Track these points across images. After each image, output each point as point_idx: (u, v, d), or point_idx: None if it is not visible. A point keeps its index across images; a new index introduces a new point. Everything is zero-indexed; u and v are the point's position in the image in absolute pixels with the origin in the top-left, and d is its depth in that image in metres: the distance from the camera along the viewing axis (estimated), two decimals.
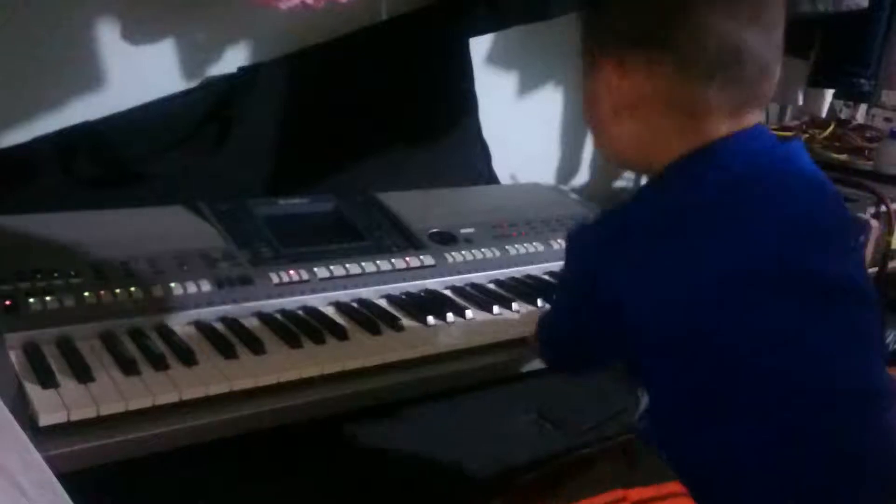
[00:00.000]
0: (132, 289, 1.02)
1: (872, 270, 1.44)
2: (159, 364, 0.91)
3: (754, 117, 0.78)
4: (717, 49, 0.73)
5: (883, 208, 1.40)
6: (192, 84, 1.36)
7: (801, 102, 1.89)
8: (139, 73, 1.30)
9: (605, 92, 0.80)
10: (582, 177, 1.92)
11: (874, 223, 1.38)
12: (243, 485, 0.91)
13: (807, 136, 1.86)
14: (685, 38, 0.73)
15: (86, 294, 0.99)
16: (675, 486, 0.90)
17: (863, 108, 2.20)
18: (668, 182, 0.78)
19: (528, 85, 1.76)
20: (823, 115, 1.97)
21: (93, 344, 0.96)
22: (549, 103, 1.81)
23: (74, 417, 0.82)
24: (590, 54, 0.82)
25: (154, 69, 1.32)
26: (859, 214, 1.38)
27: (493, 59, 1.68)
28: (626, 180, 2.00)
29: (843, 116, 2.17)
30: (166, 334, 0.99)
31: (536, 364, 1.12)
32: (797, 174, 0.79)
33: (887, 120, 2.16)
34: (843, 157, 1.76)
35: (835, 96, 1.97)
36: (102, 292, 1.00)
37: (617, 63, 0.78)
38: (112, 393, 0.86)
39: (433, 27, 1.50)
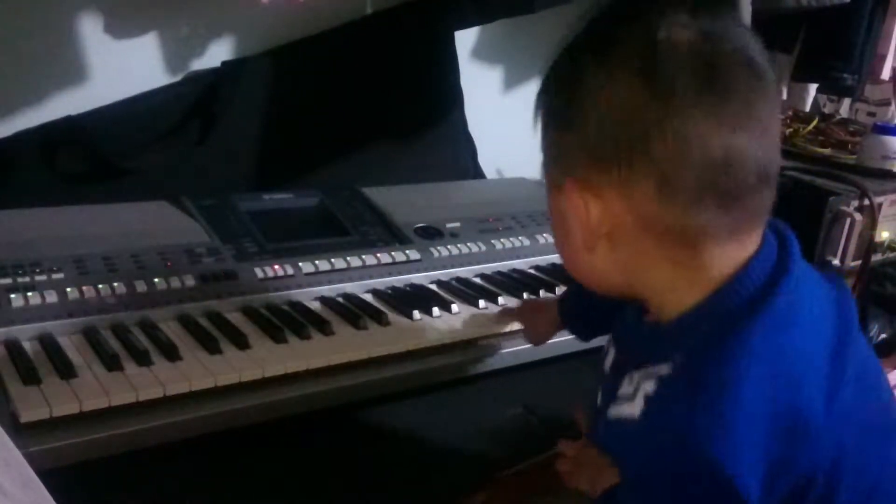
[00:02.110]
0: (115, 284, 1.01)
1: (855, 263, 1.45)
2: (143, 359, 0.91)
3: (757, 235, 0.65)
4: (703, 161, 0.59)
5: (866, 202, 1.40)
6: (176, 78, 1.35)
7: (784, 97, 1.90)
8: (122, 67, 1.30)
9: (573, 220, 0.65)
10: None
11: (858, 217, 1.39)
12: (228, 480, 0.90)
13: (790, 130, 1.87)
14: (663, 147, 0.59)
15: (68, 290, 0.99)
16: None
17: (846, 102, 2.21)
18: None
19: (513, 79, 1.76)
20: (807, 109, 1.98)
21: (75, 340, 0.95)
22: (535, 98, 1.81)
23: (57, 414, 0.81)
24: (552, 177, 0.68)
25: (137, 63, 1.31)
26: (842, 208, 1.39)
27: (479, 53, 1.68)
28: None
29: (826, 111, 2.18)
30: (150, 330, 0.98)
31: (523, 358, 1.13)
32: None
33: (870, 114, 2.17)
34: (827, 151, 1.77)
35: (818, 91, 1.98)
36: (85, 288, 1.00)
37: (586, 185, 0.63)
38: (95, 389, 0.85)
39: (418, 21, 1.50)
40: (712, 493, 0.58)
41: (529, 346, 1.10)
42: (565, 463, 0.83)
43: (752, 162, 0.60)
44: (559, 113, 0.67)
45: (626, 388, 0.67)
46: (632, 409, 0.65)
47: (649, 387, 0.64)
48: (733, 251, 0.63)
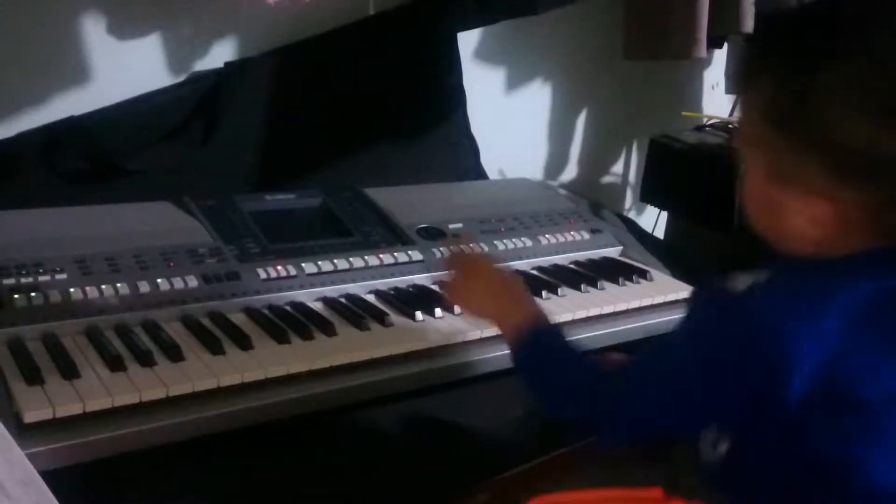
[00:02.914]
0: (118, 285, 1.01)
1: None
2: (146, 360, 0.91)
3: None
4: None
5: None
6: (179, 79, 1.36)
7: None
8: (125, 67, 1.30)
9: (799, 217, 0.69)
10: (570, 172, 1.93)
11: None
12: (231, 481, 0.90)
13: None
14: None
15: (71, 290, 0.99)
16: (656, 492, 0.90)
17: None
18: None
19: (516, 80, 1.76)
20: None
21: (78, 340, 0.95)
22: (537, 98, 1.81)
23: (60, 414, 0.82)
24: (787, 167, 0.69)
25: (140, 64, 1.31)
26: None
27: (482, 54, 1.68)
28: (613, 175, 2.01)
29: None
30: (152, 330, 0.98)
31: None
32: None
33: None
34: None
35: None
36: (88, 288, 1.00)
37: (829, 199, 0.66)
38: (98, 389, 0.85)
39: (421, 22, 1.50)
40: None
41: None
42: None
43: None
44: (791, 118, 0.66)
45: None
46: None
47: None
48: None
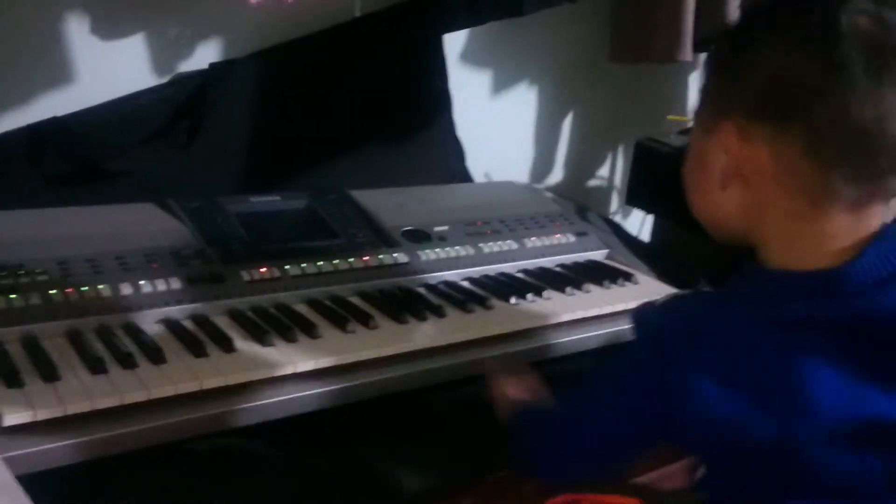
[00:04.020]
0: (100, 287, 1.01)
1: None
2: (127, 362, 0.90)
3: (877, 214, 0.70)
4: (854, 135, 0.65)
5: None
6: (164, 80, 1.35)
7: None
8: (109, 68, 1.29)
9: (718, 156, 0.72)
10: (556, 175, 1.93)
11: None
12: (213, 484, 0.90)
13: None
14: (823, 115, 0.65)
15: (52, 292, 0.98)
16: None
17: None
18: (777, 292, 0.71)
19: (502, 83, 1.76)
20: None
21: (59, 342, 0.94)
22: (524, 102, 1.82)
23: (40, 417, 0.81)
24: (708, 114, 0.74)
25: (124, 64, 1.31)
26: None
27: (468, 56, 1.68)
28: (599, 178, 2.01)
29: None
30: (134, 332, 0.97)
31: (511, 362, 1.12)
32: None
33: None
34: None
35: None
36: (69, 290, 0.99)
37: (740, 129, 0.70)
38: (79, 392, 0.84)
39: (407, 24, 1.50)
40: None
41: (518, 349, 1.10)
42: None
43: (891, 147, 0.66)
44: (728, 62, 0.72)
45: None
46: None
47: None
48: (852, 224, 0.69)
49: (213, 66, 1.36)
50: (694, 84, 2.07)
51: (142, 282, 1.03)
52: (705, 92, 0.76)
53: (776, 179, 0.69)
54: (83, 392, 0.84)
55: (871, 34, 0.65)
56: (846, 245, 0.69)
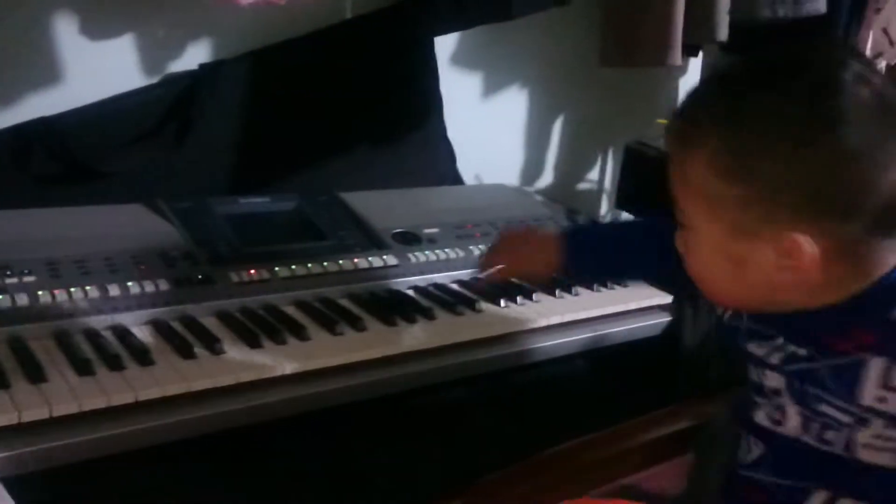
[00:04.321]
0: (87, 287, 1.00)
1: None
2: (114, 364, 0.90)
3: None
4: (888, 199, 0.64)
5: None
6: (153, 80, 1.34)
7: None
8: (98, 68, 1.28)
9: (767, 258, 0.68)
10: (546, 178, 1.93)
11: None
12: (200, 487, 0.89)
13: None
14: (876, 200, 0.64)
15: (39, 293, 0.97)
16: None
17: None
18: None
19: (493, 85, 1.76)
20: None
21: (46, 344, 0.94)
22: (515, 104, 1.82)
23: (26, 419, 0.80)
24: (754, 215, 0.68)
25: (113, 64, 1.30)
26: None
27: (459, 59, 1.68)
28: (589, 182, 2.02)
29: None
30: (122, 334, 0.97)
31: (500, 364, 1.12)
32: None
33: None
34: None
35: None
36: (57, 291, 0.98)
37: (787, 242, 0.67)
38: (65, 394, 0.84)
39: (398, 26, 1.50)
40: None
41: (503, 352, 1.10)
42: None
43: None
44: (726, 160, 0.67)
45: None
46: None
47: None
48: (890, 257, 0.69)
49: (202, 66, 1.36)
50: (684, 87, 2.08)
51: (130, 283, 1.02)
52: (721, 198, 0.69)
53: (828, 262, 0.67)
54: (70, 394, 0.84)
55: (876, 104, 0.65)
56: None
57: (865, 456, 0.71)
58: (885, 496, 0.72)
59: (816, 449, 0.73)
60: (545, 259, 1.05)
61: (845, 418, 0.71)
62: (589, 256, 1.03)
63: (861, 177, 0.64)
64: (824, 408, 0.72)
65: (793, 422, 0.75)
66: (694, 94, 0.74)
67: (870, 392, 0.69)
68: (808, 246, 0.66)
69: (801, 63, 0.67)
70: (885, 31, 1.96)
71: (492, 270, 1.09)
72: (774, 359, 0.76)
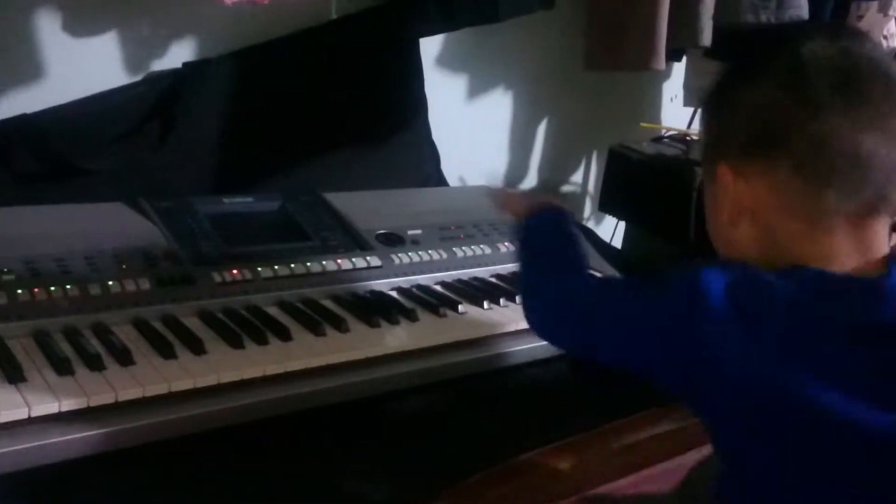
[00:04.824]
0: (67, 286, 0.99)
1: None
2: (94, 364, 0.89)
3: (880, 226, 0.74)
4: (835, 155, 0.70)
5: None
6: (136, 78, 1.33)
7: None
8: (80, 65, 1.28)
9: (723, 199, 0.78)
10: (530, 180, 1.93)
11: None
12: (181, 487, 0.89)
13: None
14: (802, 142, 0.71)
15: (19, 291, 0.96)
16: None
17: None
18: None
19: (478, 87, 1.76)
20: None
21: (25, 343, 0.93)
22: (499, 106, 1.82)
23: (3, 419, 0.79)
24: (708, 163, 0.81)
25: (96, 62, 1.29)
26: None
27: (444, 60, 1.68)
28: (573, 184, 2.02)
29: None
30: (102, 333, 0.96)
31: (483, 366, 1.12)
32: None
33: None
34: None
35: None
36: (36, 290, 0.97)
37: (735, 170, 0.76)
38: (44, 393, 0.83)
39: (383, 27, 1.50)
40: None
41: (486, 354, 1.10)
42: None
43: (883, 163, 0.70)
44: (715, 113, 0.80)
45: None
46: None
47: None
48: (856, 237, 0.73)
49: (186, 65, 1.35)
50: (667, 92, 2.09)
51: (111, 282, 1.02)
52: (704, 144, 0.82)
53: (776, 208, 0.74)
54: (49, 394, 0.83)
55: (833, 63, 0.71)
56: (854, 257, 0.73)
57: None
58: None
59: None
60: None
61: None
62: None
63: (786, 118, 0.71)
64: None
65: None
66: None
67: None
68: (730, 175, 0.75)
69: (778, 46, 0.77)
70: None
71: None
72: None
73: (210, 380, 0.91)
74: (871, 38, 0.78)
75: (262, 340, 0.99)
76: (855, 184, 0.71)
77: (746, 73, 0.77)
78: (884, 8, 1.91)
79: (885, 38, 2.03)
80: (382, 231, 1.29)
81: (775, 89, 0.73)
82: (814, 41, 0.73)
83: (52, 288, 0.98)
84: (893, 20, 2.00)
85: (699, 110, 1.92)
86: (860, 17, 1.95)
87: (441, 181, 1.66)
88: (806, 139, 0.71)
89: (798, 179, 0.72)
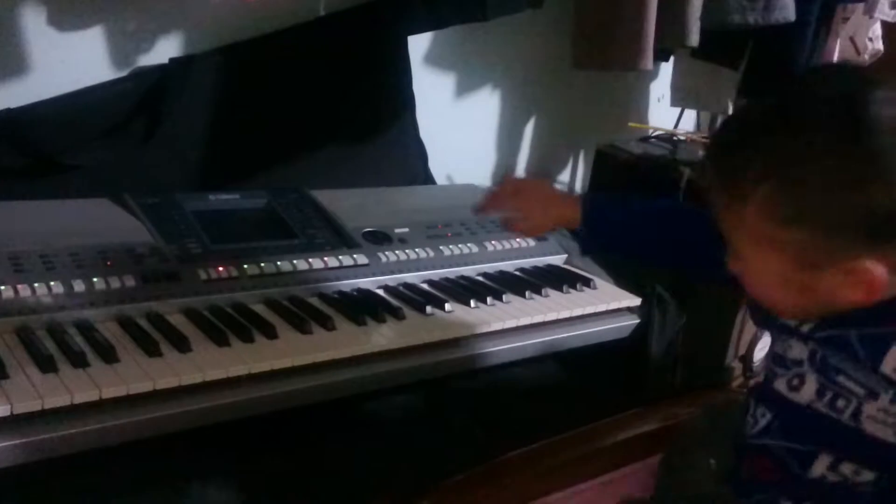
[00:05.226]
0: (52, 283, 0.98)
1: None
2: (78, 361, 0.88)
3: None
4: None
5: None
6: (122, 73, 1.32)
7: (730, 111, 1.94)
8: (66, 60, 1.26)
9: (840, 284, 0.72)
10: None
11: None
12: (165, 484, 0.89)
13: None
14: None
15: (2, 288, 0.96)
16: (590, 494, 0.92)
17: None
18: None
19: (466, 86, 1.76)
20: None
21: (8, 339, 0.92)
22: (487, 105, 1.82)
23: None
24: (818, 251, 0.71)
25: (81, 57, 1.28)
26: None
27: (432, 58, 1.68)
28: (560, 183, 2.03)
29: None
30: (87, 330, 0.96)
31: (467, 365, 1.13)
32: None
33: None
34: None
35: None
36: (20, 286, 0.97)
37: (879, 258, 0.70)
38: (28, 391, 0.82)
39: (372, 24, 1.49)
40: None
41: (472, 353, 1.11)
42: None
43: None
44: (782, 206, 0.71)
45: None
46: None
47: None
48: None
49: (173, 61, 1.34)
50: (655, 92, 2.10)
51: (95, 279, 1.01)
52: (784, 240, 0.72)
53: (893, 275, 0.71)
54: (32, 391, 0.82)
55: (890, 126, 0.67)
56: None
57: (869, 428, 0.75)
58: (883, 465, 0.77)
59: (826, 416, 0.77)
60: (557, 214, 1.06)
61: (858, 389, 0.75)
62: (609, 228, 1.03)
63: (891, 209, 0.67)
64: (841, 378, 0.76)
65: (809, 389, 0.78)
66: (730, 140, 0.77)
67: (889, 363, 0.73)
68: (876, 269, 0.70)
69: (831, 102, 0.70)
70: (852, 39, 1.99)
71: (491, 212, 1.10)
72: (805, 327, 0.79)
73: (195, 378, 0.91)
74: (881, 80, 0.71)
75: (247, 338, 0.99)
76: None
77: (803, 145, 0.69)
78: (869, 10, 1.91)
79: (871, 39, 2.05)
80: (369, 229, 1.29)
81: (882, 176, 0.67)
82: (868, 100, 0.68)
83: (37, 284, 0.97)
84: (879, 22, 2.01)
85: (689, 111, 1.93)
86: (846, 20, 1.96)
87: (428, 179, 1.66)
88: None
89: None
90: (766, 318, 0.85)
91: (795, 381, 0.80)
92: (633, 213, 1.03)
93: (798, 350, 0.80)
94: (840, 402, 0.76)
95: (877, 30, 2.05)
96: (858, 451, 0.77)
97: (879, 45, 2.07)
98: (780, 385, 0.81)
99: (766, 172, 0.71)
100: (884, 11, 1.93)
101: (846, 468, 0.78)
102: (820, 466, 0.79)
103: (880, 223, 0.68)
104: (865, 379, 0.74)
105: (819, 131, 0.69)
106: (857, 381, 0.75)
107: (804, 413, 0.79)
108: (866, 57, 2.03)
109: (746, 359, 1.51)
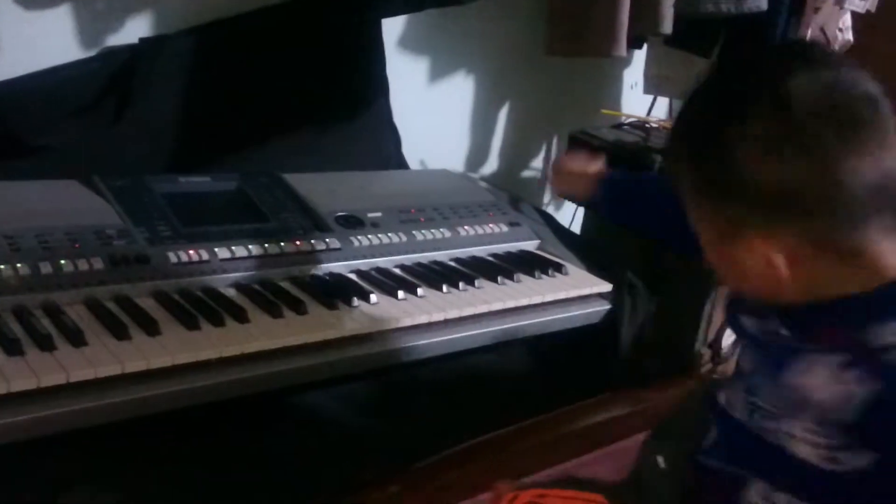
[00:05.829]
0: (18, 265, 0.97)
1: None
2: (45, 344, 0.87)
3: None
4: (858, 188, 0.67)
5: None
6: (90, 53, 1.30)
7: None
8: (33, 38, 1.24)
9: (753, 262, 0.72)
10: (491, 164, 1.94)
11: None
12: (131, 469, 0.88)
13: None
14: (824, 192, 0.67)
15: None
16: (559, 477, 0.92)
17: None
18: None
19: (440, 71, 1.76)
20: None
21: None
22: (461, 90, 1.82)
23: None
24: (722, 228, 0.74)
25: (49, 35, 1.26)
26: None
27: (406, 43, 1.67)
28: (533, 169, 2.03)
29: None
30: (54, 313, 0.94)
31: (439, 350, 1.13)
32: None
33: None
34: None
35: None
36: None
37: (763, 238, 0.71)
38: None
39: (345, 7, 1.48)
40: None
41: (444, 338, 1.11)
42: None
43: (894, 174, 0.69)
44: (714, 182, 0.73)
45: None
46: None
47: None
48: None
49: (143, 41, 1.32)
50: (628, 79, 2.11)
51: (63, 261, 1.00)
52: (703, 212, 0.75)
53: (817, 257, 0.70)
54: None
55: (823, 101, 0.68)
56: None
57: (798, 450, 0.73)
58: (819, 495, 0.74)
59: (758, 437, 0.76)
60: (583, 188, 1.25)
61: (771, 407, 0.74)
62: (615, 206, 1.21)
63: (814, 176, 0.67)
64: (760, 394, 0.75)
65: (740, 406, 0.78)
66: (675, 126, 0.78)
67: (806, 379, 0.71)
68: (769, 249, 0.71)
69: (757, 82, 0.71)
70: (822, 30, 2.01)
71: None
72: (761, 335, 0.78)
73: (165, 361, 0.90)
74: (846, 62, 0.71)
75: (218, 322, 0.99)
76: (887, 209, 0.69)
77: (734, 116, 0.70)
78: (840, 1, 1.93)
79: (841, 30, 2.07)
80: (342, 213, 1.29)
81: (774, 150, 0.68)
82: (797, 77, 0.68)
83: (2, 266, 0.96)
84: (849, 13, 2.03)
85: (662, 99, 1.94)
86: (817, 10, 1.97)
87: (402, 164, 1.66)
88: (825, 187, 0.67)
89: (837, 229, 0.69)
90: (736, 313, 0.84)
91: (733, 398, 0.79)
92: (636, 190, 1.19)
93: (748, 360, 0.79)
94: (768, 423, 0.75)
95: (847, 20, 2.07)
96: (793, 479, 0.75)
97: (849, 36, 2.09)
98: (722, 398, 0.80)
99: (692, 157, 0.74)
100: (854, 2, 1.95)
101: (780, 499, 0.75)
102: (754, 495, 0.76)
103: (771, 200, 0.69)
104: (777, 392, 0.73)
105: (738, 117, 0.70)
106: (769, 397, 0.74)
107: (741, 431, 0.78)
108: (836, 47, 2.05)
109: (715, 345, 1.53)
